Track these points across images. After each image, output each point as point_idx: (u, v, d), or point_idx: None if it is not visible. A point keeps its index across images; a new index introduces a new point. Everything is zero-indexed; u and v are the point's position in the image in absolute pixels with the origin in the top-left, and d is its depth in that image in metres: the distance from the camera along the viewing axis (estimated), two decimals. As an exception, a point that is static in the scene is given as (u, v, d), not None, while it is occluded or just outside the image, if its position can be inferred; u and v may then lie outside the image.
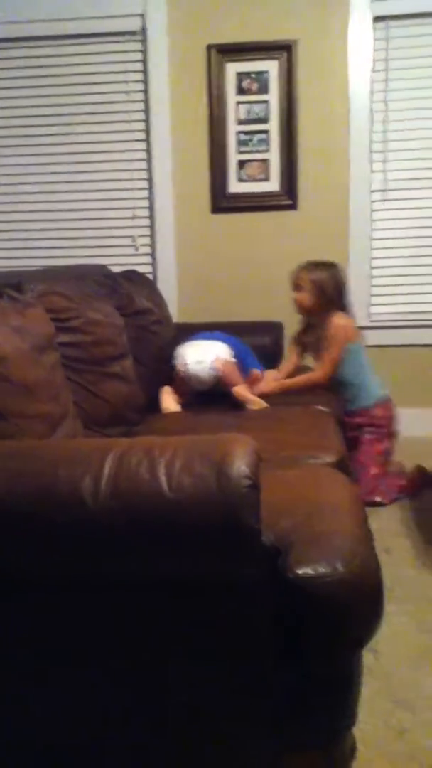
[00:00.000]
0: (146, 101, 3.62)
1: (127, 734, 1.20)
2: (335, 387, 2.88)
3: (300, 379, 2.90)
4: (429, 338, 3.64)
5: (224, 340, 2.80)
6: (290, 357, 3.04)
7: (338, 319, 2.84)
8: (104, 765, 1.24)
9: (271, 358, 3.18)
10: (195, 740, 1.18)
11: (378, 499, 2.76)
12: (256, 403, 2.55)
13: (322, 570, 1.08)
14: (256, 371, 2.75)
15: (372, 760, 1.41)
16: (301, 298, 2.87)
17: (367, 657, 1.72)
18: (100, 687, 1.18)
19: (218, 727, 1.18)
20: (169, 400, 2.65)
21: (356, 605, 1.10)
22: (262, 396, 2.63)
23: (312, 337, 2.96)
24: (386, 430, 2.92)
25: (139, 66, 3.61)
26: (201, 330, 2.90)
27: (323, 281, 2.84)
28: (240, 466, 1.05)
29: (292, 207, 3.63)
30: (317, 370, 2.87)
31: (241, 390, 2.59)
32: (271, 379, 2.86)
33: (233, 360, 2.72)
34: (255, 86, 3.55)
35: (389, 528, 2.54)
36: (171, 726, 1.18)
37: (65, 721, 1.21)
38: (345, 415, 2.78)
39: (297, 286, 2.88)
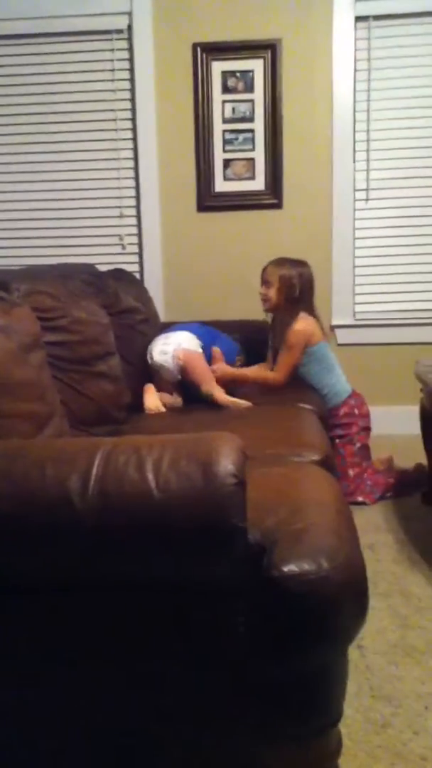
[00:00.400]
0: (132, 100, 3.63)
1: (113, 732, 1.21)
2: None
3: (257, 374, 2.88)
4: (412, 336, 3.67)
5: (192, 330, 2.78)
6: (269, 358, 3.02)
7: (299, 324, 2.80)
8: (93, 763, 1.25)
9: (257, 357, 3.19)
10: (181, 736, 1.20)
11: (360, 499, 2.77)
12: (239, 404, 2.54)
13: (306, 567, 1.09)
14: (216, 350, 2.73)
15: (354, 754, 1.44)
16: (266, 293, 2.85)
17: (352, 652, 1.75)
18: (87, 687, 1.19)
19: (204, 722, 1.19)
20: (150, 399, 2.62)
21: (341, 602, 1.11)
22: (218, 381, 2.61)
23: (276, 333, 2.93)
24: (356, 428, 2.89)
25: (125, 65, 3.61)
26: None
27: (291, 278, 2.81)
28: (226, 464, 1.06)
29: (277, 206, 3.65)
30: (274, 372, 2.85)
31: (220, 396, 2.54)
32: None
33: (198, 351, 2.69)
34: (240, 85, 3.56)
35: (373, 524, 2.57)
36: (156, 723, 1.19)
37: (52, 722, 1.22)
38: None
39: (265, 281, 2.86)
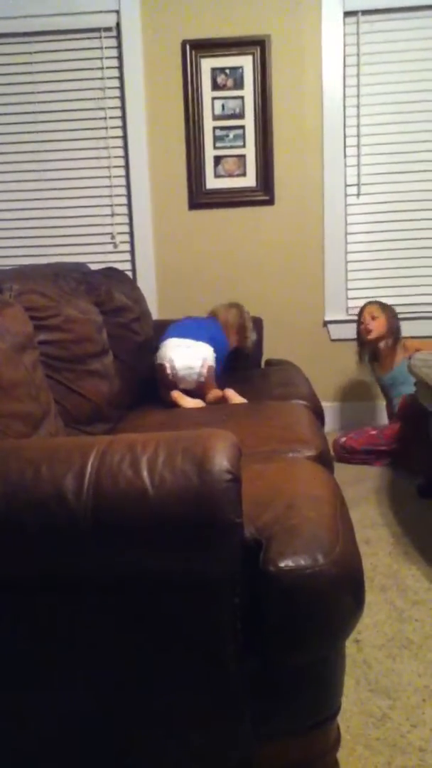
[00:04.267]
0: (122, 98, 3.62)
1: (109, 731, 1.21)
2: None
3: None
4: (405, 331, 3.67)
5: (209, 341, 2.75)
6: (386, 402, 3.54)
7: (416, 343, 3.42)
8: (87, 761, 1.25)
9: (253, 354, 3.21)
10: (178, 733, 1.20)
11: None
12: (235, 398, 2.56)
13: (302, 562, 1.09)
14: (224, 392, 2.64)
15: (353, 747, 1.44)
16: (371, 324, 3.37)
17: (350, 646, 1.75)
18: (83, 686, 1.19)
19: (201, 718, 1.19)
20: (188, 401, 2.58)
21: (337, 596, 1.12)
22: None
23: (382, 363, 3.44)
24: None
25: (114, 62, 3.60)
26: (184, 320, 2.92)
27: (394, 311, 3.45)
28: (221, 461, 1.06)
29: (269, 202, 3.65)
30: None
31: (223, 395, 2.58)
32: None
33: (213, 364, 2.69)
34: (230, 82, 3.56)
35: (369, 518, 2.58)
36: (153, 721, 1.19)
37: (46, 721, 1.22)
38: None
39: (370, 315, 3.38)
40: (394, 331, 3.36)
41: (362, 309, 3.44)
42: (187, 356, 2.64)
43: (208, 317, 3.13)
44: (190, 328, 2.80)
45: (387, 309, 3.39)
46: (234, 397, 2.58)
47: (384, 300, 3.52)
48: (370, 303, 3.43)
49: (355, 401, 3.78)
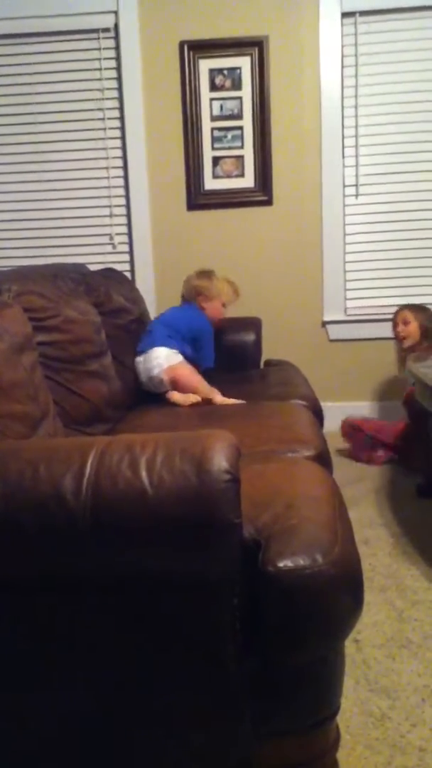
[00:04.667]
0: (120, 99, 3.62)
1: (108, 731, 1.21)
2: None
3: None
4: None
5: (165, 341, 2.69)
6: None
7: None
8: (87, 761, 1.25)
9: (251, 354, 3.20)
10: (178, 733, 1.20)
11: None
12: (235, 403, 2.54)
13: (301, 562, 1.09)
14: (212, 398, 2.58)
15: (353, 747, 1.44)
16: (405, 329, 3.29)
17: (349, 646, 1.75)
18: (82, 686, 1.19)
19: (200, 719, 1.19)
20: (179, 397, 2.56)
21: (336, 596, 1.12)
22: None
23: None
24: None
25: (112, 63, 3.60)
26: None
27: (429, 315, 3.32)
28: (220, 461, 1.07)
29: (268, 203, 3.65)
30: None
31: (218, 398, 2.55)
32: None
33: (178, 360, 2.65)
34: (228, 83, 3.56)
35: (367, 518, 2.58)
36: (152, 721, 1.19)
37: (45, 721, 1.22)
38: None
39: (402, 321, 3.29)
40: (430, 333, 3.24)
41: (395, 315, 3.35)
42: (144, 371, 2.66)
43: (182, 303, 3.07)
44: (155, 334, 2.75)
45: (420, 311, 3.29)
46: (223, 401, 2.54)
47: (383, 300, 3.51)
48: (402, 308, 3.33)
49: (354, 401, 3.78)
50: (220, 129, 3.60)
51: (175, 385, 2.60)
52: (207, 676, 1.16)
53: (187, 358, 2.74)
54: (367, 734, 1.48)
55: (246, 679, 1.16)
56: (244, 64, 3.54)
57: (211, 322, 2.95)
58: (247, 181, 3.64)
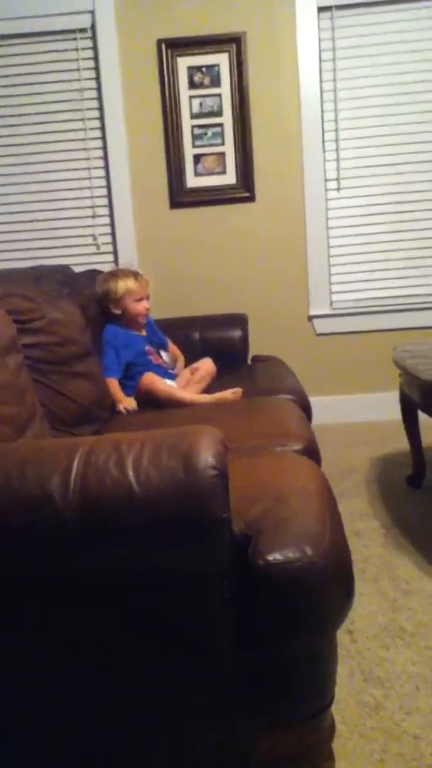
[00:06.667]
0: (100, 99, 3.61)
1: (103, 725, 1.21)
2: None
3: None
4: (390, 323, 3.69)
5: (106, 373, 2.55)
6: None
7: None
8: (86, 755, 1.25)
9: (239, 350, 3.21)
10: (172, 726, 1.20)
11: None
12: (224, 396, 2.53)
13: (291, 555, 1.10)
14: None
15: (348, 737, 1.45)
16: None
17: (343, 637, 1.76)
18: (74, 682, 1.19)
19: (194, 712, 1.19)
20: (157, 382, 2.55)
21: (327, 588, 1.13)
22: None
23: None
24: None
25: (90, 64, 3.60)
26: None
27: None
28: (206, 456, 1.07)
29: (250, 199, 3.66)
30: None
31: (201, 398, 2.54)
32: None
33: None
34: (206, 80, 3.56)
35: (358, 510, 2.59)
36: (145, 715, 1.20)
37: (40, 717, 1.22)
38: None
39: None
40: None
41: None
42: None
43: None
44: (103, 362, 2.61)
45: None
46: (194, 399, 2.52)
47: (368, 293, 3.50)
48: None
49: (342, 395, 3.80)
50: (200, 126, 3.60)
51: (152, 397, 2.55)
52: (201, 671, 1.16)
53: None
54: (362, 724, 1.49)
55: (240, 673, 1.16)
56: (222, 61, 3.54)
57: (138, 323, 2.78)
58: (229, 177, 3.64)
